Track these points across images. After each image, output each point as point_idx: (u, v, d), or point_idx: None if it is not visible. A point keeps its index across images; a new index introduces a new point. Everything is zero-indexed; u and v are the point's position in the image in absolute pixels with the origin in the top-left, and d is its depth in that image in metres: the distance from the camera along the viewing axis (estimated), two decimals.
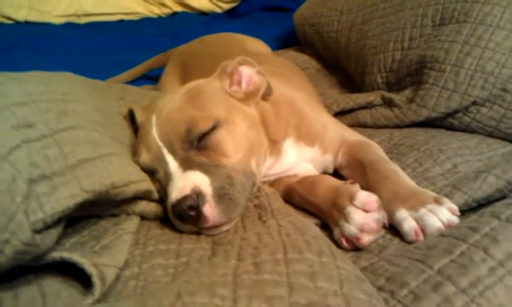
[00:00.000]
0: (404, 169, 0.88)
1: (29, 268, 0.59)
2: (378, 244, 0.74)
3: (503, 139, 1.04)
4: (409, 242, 0.73)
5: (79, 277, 0.60)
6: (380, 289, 0.59)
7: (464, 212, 0.77)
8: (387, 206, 0.77)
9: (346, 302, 0.48)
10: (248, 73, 0.91)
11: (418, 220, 0.73)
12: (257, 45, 1.68)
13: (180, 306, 0.46)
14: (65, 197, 0.60)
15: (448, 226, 0.70)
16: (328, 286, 0.50)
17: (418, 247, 0.66)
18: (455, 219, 0.72)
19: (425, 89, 1.11)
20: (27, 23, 2.40)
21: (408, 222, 0.74)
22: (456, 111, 1.07)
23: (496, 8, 1.06)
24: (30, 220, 0.55)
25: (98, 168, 0.66)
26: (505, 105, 1.03)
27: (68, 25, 2.43)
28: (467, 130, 1.08)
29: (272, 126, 0.92)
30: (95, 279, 0.58)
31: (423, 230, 0.72)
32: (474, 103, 1.05)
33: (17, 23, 2.40)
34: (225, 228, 0.74)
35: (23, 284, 0.60)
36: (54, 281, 0.61)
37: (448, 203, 0.74)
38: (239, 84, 0.91)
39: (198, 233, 0.74)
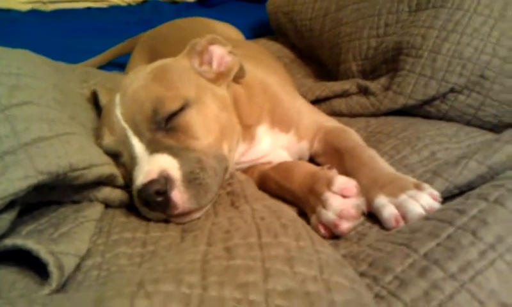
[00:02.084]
0: (381, 157, 0.85)
1: None
2: (357, 232, 0.70)
3: (481, 127, 1.02)
4: (389, 229, 0.69)
5: (36, 267, 0.55)
6: (362, 275, 0.55)
7: (446, 198, 0.74)
8: (366, 193, 0.74)
9: (326, 288, 0.44)
10: (219, 53, 0.86)
11: (399, 207, 0.70)
12: (228, 30, 1.64)
13: (142, 296, 0.41)
14: (18, 178, 0.55)
15: (428, 210, 0.67)
16: (306, 271, 0.46)
17: (401, 231, 0.62)
18: (436, 205, 0.69)
19: (401, 76, 1.08)
20: None
21: (387, 208, 0.71)
22: (434, 98, 1.05)
23: None
24: None
25: (55, 148, 0.61)
26: (483, 92, 1.00)
27: (34, 12, 2.34)
28: (445, 118, 1.06)
29: (245, 110, 0.88)
30: (52, 268, 0.53)
31: (403, 217, 0.69)
32: (452, 90, 1.02)
33: None
34: (196, 215, 0.70)
35: None
36: (9, 272, 0.57)
37: (429, 188, 0.71)
38: (210, 63, 0.86)
39: (166, 221, 0.70)
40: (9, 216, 0.56)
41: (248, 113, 0.88)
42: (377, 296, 0.51)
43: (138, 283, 0.43)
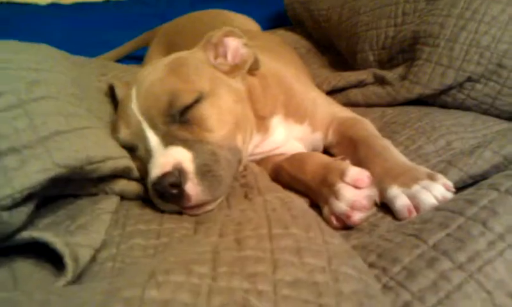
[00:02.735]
0: (396, 147, 0.85)
1: (0, 250, 0.56)
2: (369, 222, 0.71)
3: (498, 117, 1.01)
4: (401, 220, 0.69)
5: (53, 259, 0.56)
6: (371, 265, 0.55)
7: (460, 189, 0.73)
8: (379, 183, 0.74)
9: (334, 279, 0.45)
10: (234, 45, 0.87)
11: (411, 197, 0.70)
12: (245, 22, 1.63)
13: (153, 285, 0.42)
14: (36, 171, 0.56)
15: (441, 200, 0.67)
16: (315, 262, 0.46)
17: (412, 222, 0.62)
18: (450, 196, 0.68)
19: (418, 66, 1.08)
20: (10, 3, 2.33)
21: (400, 199, 0.71)
22: (450, 88, 1.04)
23: None
24: None
25: (72, 141, 0.62)
26: (500, 81, 0.99)
27: (53, 6, 2.37)
28: (461, 107, 1.05)
29: (259, 101, 0.88)
30: (68, 260, 0.54)
31: (416, 207, 0.69)
32: (469, 79, 1.01)
33: (0, 3, 2.33)
34: (209, 207, 0.70)
35: None
36: (26, 264, 0.57)
37: (442, 179, 0.71)
38: (225, 56, 0.87)
39: (180, 213, 0.71)
40: (26, 209, 0.56)
41: (263, 104, 0.88)
42: (385, 287, 0.52)
43: (150, 273, 0.44)
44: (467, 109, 1.04)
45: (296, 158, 0.86)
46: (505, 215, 0.53)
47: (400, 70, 1.15)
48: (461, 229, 0.54)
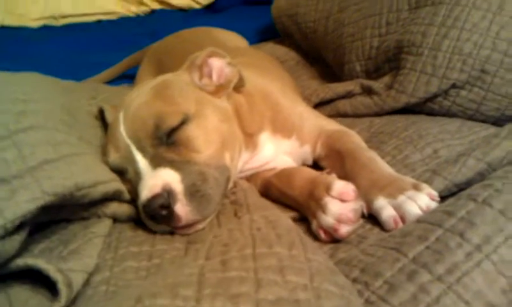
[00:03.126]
0: (383, 157, 0.87)
1: None
2: (357, 235, 0.72)
3: (484, 122, 1.02)
4: (388, 231, 0.70)
5: (47, 284, 0.58)
6: (354, 281, 0.57)
7: (445, 197, 0.75)
8: (365, 195, 0.75)
9: (316, 296, 0.46)
10: (219, 65, 0.88)
11: (397, 208, 0.71)
12: (233, 39, 1.65)
13: None
14: (26, 201, 0.57)
15: (425, 210, 0.69)
16: (297, 279, 0.48)
17: (393, 235, 0.64)
18: (434, 205, 0.70)
19: (403, 75, 1.09)
20: (3, 27, 2.36)
21: (386, 210, 0.72)
22: (436, 95, 1.05)
23: None
24: None
25: (61, 169, 0.63)
26: (485, 87, 1.01)
27: (45, 28, 2.39)
28: (448, 114, 1.06)
29: (246, 119, 0.89)
30: (61, 286, 0.55)
31: (402, 218, 0.70)
32: (453, 86, 1.03)
33: None
34: (200, 226, 0.72)
35: None
36: (22, 289, 0.59)
37: (427, 188, 0.72)
38: (210, 76, 0.88)
39: (172, 233, 0.72)
40: (19, 237, 0.58)
41: (250, 122, 0.90)
42: (367, 301, 0.53)
43: (137, 298, 0.46)
44: (453, 115, 1.06)
45: (284, 174, 0.88)
46: (482, 226, 0.54)
47: (386, 80, 1.16)
48: (439, 242, 0.55)
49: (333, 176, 0.77)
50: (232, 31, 1.71)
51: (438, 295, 0.50)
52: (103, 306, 0.47)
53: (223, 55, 0.88)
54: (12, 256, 0.58)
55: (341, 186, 0.73)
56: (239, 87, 0.90)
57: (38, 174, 0.60)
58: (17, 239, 0.58)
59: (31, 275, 0.59)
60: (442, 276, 0.51)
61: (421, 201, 0.70)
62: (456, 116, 1.05)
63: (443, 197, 0.74)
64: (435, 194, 0.72)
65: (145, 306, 0.44)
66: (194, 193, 0.70)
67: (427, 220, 0.61)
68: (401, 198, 0.72)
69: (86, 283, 0.61)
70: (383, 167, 0.81)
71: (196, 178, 0.72)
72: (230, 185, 0.82)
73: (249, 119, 0.90)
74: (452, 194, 0.75)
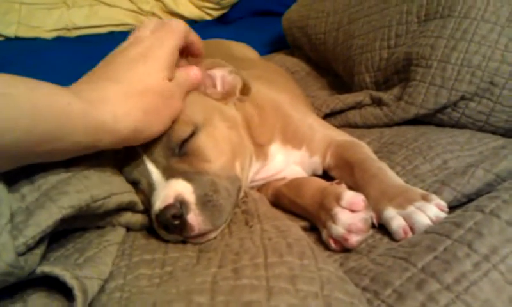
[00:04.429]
0: (393, 168, 0.88)
1: (14, 283, 0.58)
2: (367, 244, 0.73)
3: (493, 133, 1.03)
4: (398, 241, 0.71)
5: (63, 291, 0.59)
6: (364, 289, 0.58)
7: (455, 207, 0.76)
8: (375, 206, 0.76)
9: (327, 304, 0.47)
10: (220, 74, 0.89)
11: (407, 218, 0.72)
12: (243, 50, 1.67)
13: None
14: (44, 218, 0.59)
15: (435, 221, 0.70)
16: (308, 288, 0.49)
17: (402, 245, 0.65)
18: (443, 216, 0.71)
19: (412, 86, 1.10)
20: (18, 39, 2.39)
21: (396, 220, 0.73)
22: (445, 107, 1.06)
23: (480, 1, 1.05)
24: (14, 243, 0.54)
25: (74, 185, 0.65)
26: (493, 98, 1.02)
27: (59, 40, 2.42)
28: (457, 125, 1.07)
29: (257, 130, 0.91)
30: (77, 292, 0.56)
31: (411, 228, 0.71)
32: (462, 98, 1.04)
33: (8, 39, 2.39)
34: (211, 235, 0.73)
35: (8, 301, 0.59)
36: (39, 296, 0.60)
37: (436, 199, 0.73)
38: (214, 86, 0.89)
39: (184, 242, 0.73)
40: (39, 251, 0.59)
41: (260, 133, 0.91)
42: None
43: (152, 304, 0.47)
44: (463, 126, 1.07)
45: (294, 184, 0.89)
46: (489, 237, 0.55)
47: (395, 91, 1.18)
48: (447, 252, 0.56)
49: (343, 186, 0.78)
50: (242, 43, 1.73)
51: (446, 303, 0.51)
52: None
53: (223, 64, 0.90)
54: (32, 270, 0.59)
55: (351, 196, 0.74)
56: (244, 93, 0.92)
57: (51, 193, 0.62)
58: (38, 253, 0.59)
59: (47, 283, 0.60)
60: (450, 285, 0.52)
61: (430, 211, 0.71)
62: (466, 127, 1.06)
63: (452, 208, 0.75)
64: (444, 204, 0.73)
65: None
66: (206, 203, 0.72)
67: (436, 230, 0.62)
68: (410, 209, 0.72)
69: (101, 289, 0.62)
70: (393, 177, 0.82)
71: (207, 189, 0.73)
72: (241, 194, 0.83)
73: (260, 130, 0.91)
74: (461, 204, 0.76)
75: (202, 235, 0.72)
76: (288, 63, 1.76)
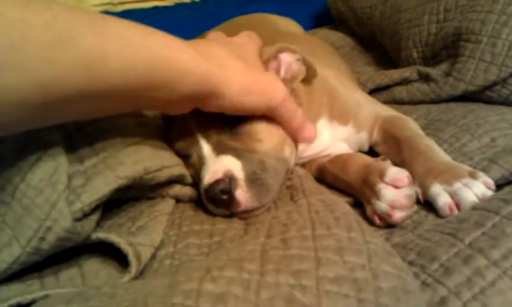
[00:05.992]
0: (441, 145, 0.87)
1: (69, 249, 0.62)
2: (413, 220, 0.73)
3: None
4: (444, 217, 0.71)
5: (116, 257, 0.62)
6: (411, 264, 0.58)
7: (502, 185, 0.75)
8: (421, 182, 0.76)
9: (374, 276, 0.48)
10: (287, 61, 0.88)
11: (453, 195, 0.72)
12: (289, 25, 1.65)
13: (209, 279, 0.47)
14: (100, 185, 0.62)
15: (481, 198, 0.69)
16: (355, 260, 0.50)
17: (450, 221, 0.65)
18: (490, 194, 0.70)
19: (461, 62, 1.08)
20: None
21: (442, 197, 0.73)
22: (494, 84, 1.04)
23: None
24: (70, 209, 0.57)
25: (130, 156, 0.68)
26: None
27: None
28: (506, 103, 1.05)
29: (305, 106, 0.91)
30: (131, 258, 0.59)
31: (457, 205, 0.71)
32: None
33: None
34: (257, 212, 0.74)
35: (64, 265, 0.63)
36: (93, 262, 0.64)
37: (483, 177, 0.73)
38: (277, 70, 0.88)
39: (230, 216, 0.75)
40: (95, 217, 0.62)
41: (308, 109, 0.91)
42: (424, 283, 0.55)
43: (206, 269, 0.49)
44: None
45: (339, 160, 0.89)
46: None
47: (444, 67, 1.16)
48: (495, 228, 0.56)
49: (388, 162, 0.78)
50: (287, 17, 1.72)
51: (493, 279, 0.51)
52: (172, 277, 0.50)
53: (294, 51, 0.88)
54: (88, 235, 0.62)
55: (395, 172, 0.74)
56: (311, 77, 0.92)
57: (109, 161, 0.65)
58: (93, 219, 0.62)
59: (101, 249, 0.64)
60: (498, 261, 0.52)
61: (477, 188, 0.71)
62: None
63: (499, 186, 0.74)
64: (491, 182, 0.72)
65: (214, 276, 0.48)
66: (254, 181, 0.73)
67: (484, 207, 0.62)
68: (457, 185, 0.72)
69: (152, 257, 0.65)
70: (440, 154, 0.81)
71: (256, 167, 0.74)
72: (288, 174, 0.84)
73: (308, 107, 0.91)
74: (509, 183, 0.75)
75: (249, 211, 0.73)
76: (333, 38, 1.75)
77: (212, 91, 0.66)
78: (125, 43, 0.54)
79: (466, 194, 0.70)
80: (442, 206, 0.72)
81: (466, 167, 0.76)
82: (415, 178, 0.75)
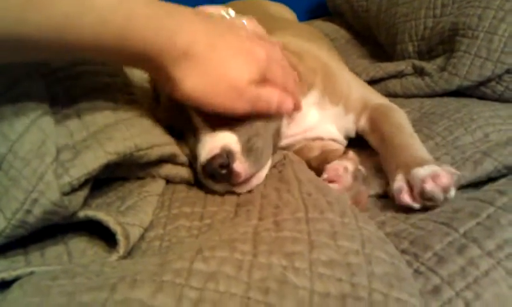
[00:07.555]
0: (433, 138, 0.87)
1: (55, 227, 0.61)
2: (404, 210, 0.72)
3: None
4: (399, 203, 0.71)
5: (104, 238, 0.61)
6: (403, 252, 0.58)
7: (498, 178, 0.75)
8: (391, 177, 0.77)
9: (367, 261, 0.48)
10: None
11: (410, 180, 0.71)
12: (281, 10, 1.65)
13: (200, 259, 0.47)
14: (90, 160, 0.60)
15: (434, 177, 0.67)
16: (349, 245, 0.50)
17: (444, 211, 0.65)
18: (445, 174, 0.67)
19: (457, 57, 1.08)
20: None
21: (396, 182, 0.72)
22: (489, 80, 1.04)
23: None
24: (58, 183, 0.56)
25: (121, 131, 0.66)
26: None
27: None
28: (500, 99, 1.05)
29: (299, 71, 0.89)
30: (120, 237, 0.58)
31: (412, 188, 0.70)
32: (508, 71, 1.02)
33: None
34: (254, 181, 0.74)
35: (50, 243, 0.61)
36: (80, 240, 0.62)
37: (448, 166, 0.70)
38: None
39: (222, 195, 0.74)
40: (83, 193, 0.61)
41: (303, 73, 0.90)
42: (416, 271, 0.54)
43: (197, 250, 0.48)
44: (506, 101, 1.05)
45: (322, 157, 0.91)
46: None
47: (439, 61, 1.16)
48: (490, 219, 0.56)
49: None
50: (281, 3, 1.71)
51: (487, 269, 0.51)
52: (162, 257, 0.50)
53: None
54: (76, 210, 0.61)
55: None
56: None
57: (99, 136, 0.64)
58: (82, 195, 0.61)
59: (88, 228, 0.63)
60: (492, 252, 0.52)
61: (430, 168, 0.69)
62: (509, 102, 1.04)
63: (493, 179, 0.74)
64: (454, 171, 0.69)
65: (205, 256, 0.47)
66: (249, 149, 0.73)
67: (479, 197, 0.62)
68: (414, 170, 0.70)
69: (141, 238, 0.64)
70: (418, 152, 0.79)
71: (250, 133, 0.74)
72: (280, 142, 0.85)
73: (302, 71, 0.91)
74: (503, 176, 0.75)
75: (247, 180, 0.73)
76: (327, 30, 1.74)
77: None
78: None
79: (418, 172, 0.69)
80: (395, 191, 0.71)
81: (434, 160, 0.74)
82: (389, 174, 0.76)
